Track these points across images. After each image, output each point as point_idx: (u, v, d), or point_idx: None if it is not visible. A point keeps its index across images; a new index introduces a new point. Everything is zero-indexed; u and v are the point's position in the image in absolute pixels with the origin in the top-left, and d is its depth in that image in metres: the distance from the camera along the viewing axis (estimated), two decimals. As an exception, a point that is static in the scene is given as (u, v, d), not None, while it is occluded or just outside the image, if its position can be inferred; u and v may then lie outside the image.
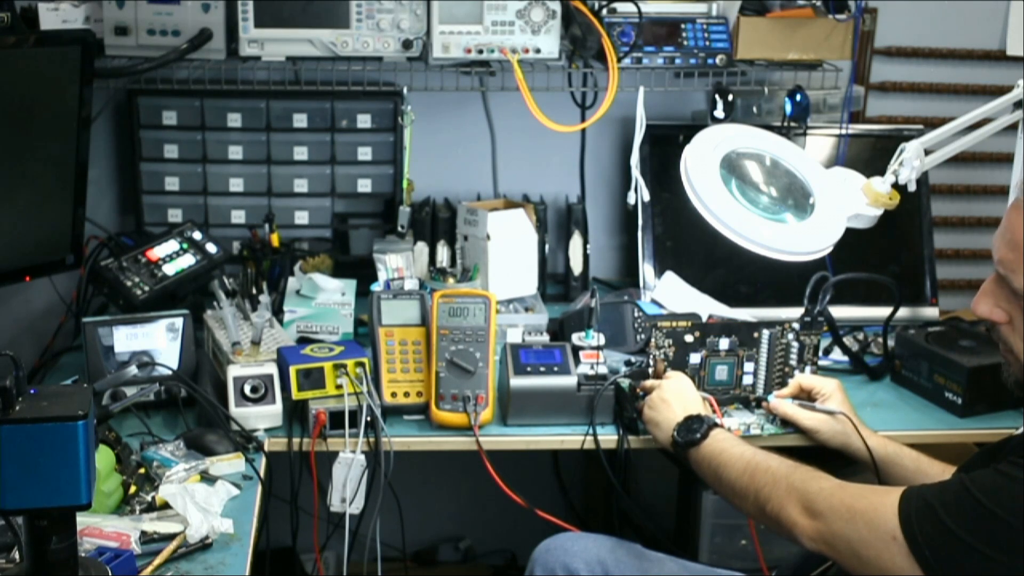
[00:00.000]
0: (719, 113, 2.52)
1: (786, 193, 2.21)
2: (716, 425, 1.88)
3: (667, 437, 1.92)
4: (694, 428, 1.87)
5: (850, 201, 2.18)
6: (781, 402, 2.07)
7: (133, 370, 2.01)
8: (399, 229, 2.54)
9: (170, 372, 2.06)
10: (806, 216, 2.15)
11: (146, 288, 2.26)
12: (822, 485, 1.60)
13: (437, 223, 2.62)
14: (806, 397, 2.06)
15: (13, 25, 2.16)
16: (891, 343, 2.33)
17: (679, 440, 1.87)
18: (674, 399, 1.96)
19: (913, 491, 1.50)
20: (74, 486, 1.33)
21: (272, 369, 2.04)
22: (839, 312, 2.32)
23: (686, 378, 2.03)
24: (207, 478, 1.83)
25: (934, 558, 1.43)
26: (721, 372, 2.13)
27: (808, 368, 2.15)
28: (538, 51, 2.37)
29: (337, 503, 2.00)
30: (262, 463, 1.92)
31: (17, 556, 1.54)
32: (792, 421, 2.05)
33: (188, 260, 2.35)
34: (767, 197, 2.09)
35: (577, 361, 2.12)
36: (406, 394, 2.08)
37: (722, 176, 2.15)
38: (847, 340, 2.36)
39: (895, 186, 2.26)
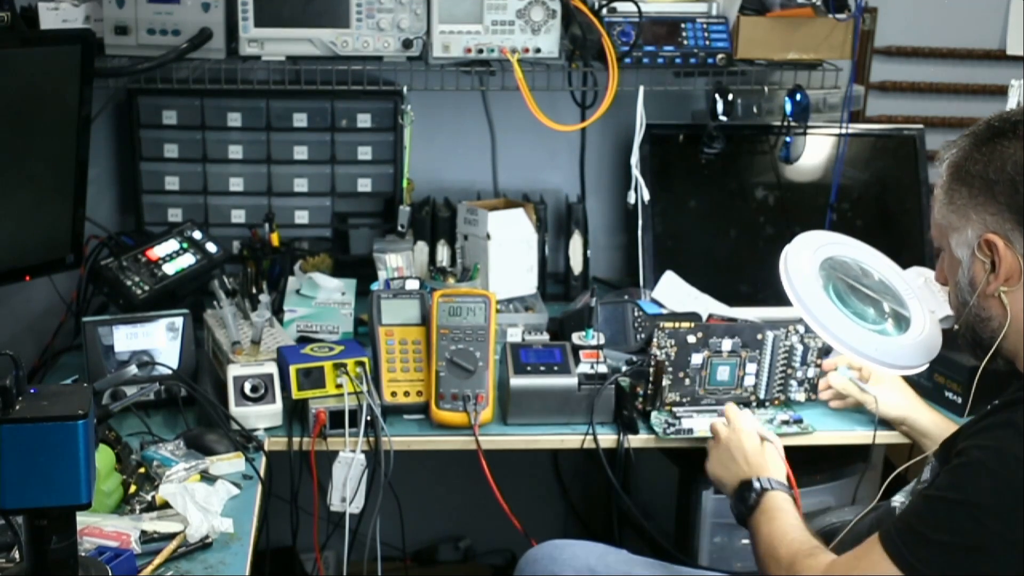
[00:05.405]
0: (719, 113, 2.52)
1: (883, 304, 2.16)
2: (767, 490, 1.80)
3: (729, 500, 1.88)
4: (745, 497, 1.81)
5: (938, 304, 2.15)
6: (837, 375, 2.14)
7: (133, 370, 2.01)
8: (399, 229, 2.54)
9: (170, 372, 2.06)
10: (904, 327, 2.09)
11: (146, 288, 2.26)
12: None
13: (437, 223, 2.62)
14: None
15: (13, 25, 2.16)
16: (892, 343, 2.33)
17: (734, 512, 1.84)
18: (732, 459, 1.88)
19: (889, 529, 1.50)
20: (74, 486, 1.33)
21: (272, 368, 2.04)
22: (840, 312, 2.31)
23: (747, 428, 1.91)
24: (207, 478, 1.83)
25: None
26: (723, 373, 2.13)
27: (812, 369, 2.15)
28: (538, 51, 2.37)
29: (337, 503, 2.00)
30: (262, 463, 1.92)
31: (17, 556, 1.54)
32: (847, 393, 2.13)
33: (188, 260, 2.35)
34: (872, 309, 2.08)
35: (577, 361, 2.12)
36: (406, 393, 2.08)
37: (823, 286, 2.08)
38: (848, 340, 2.35)
39: None
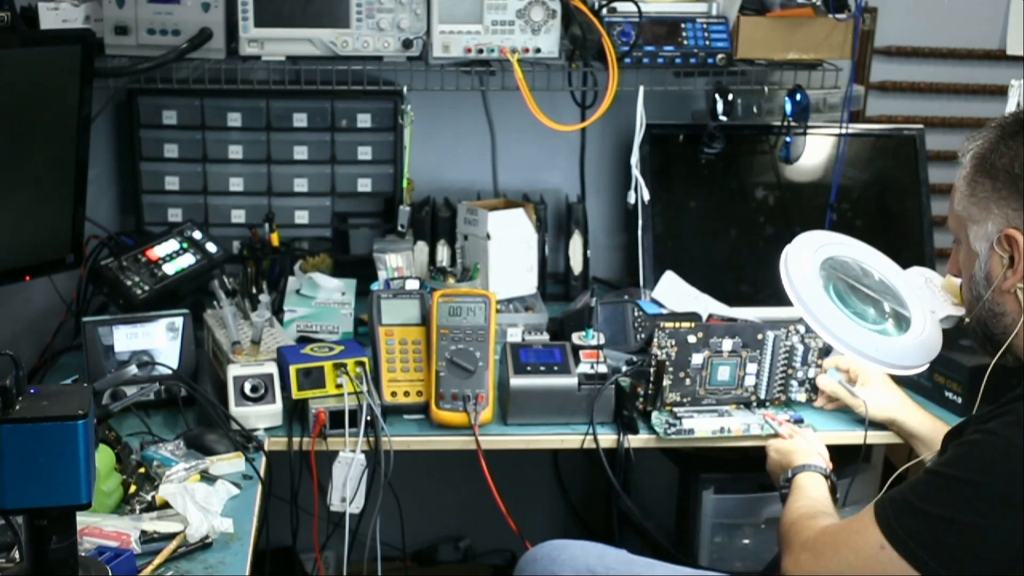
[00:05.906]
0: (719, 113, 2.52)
1: (883, 304, 2.16)
2: (790, 478, 1.87)
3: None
4: (782, 490, 1.87)
5: (938, 304, 2.15)
6: (828, 378, 2.13)
7: (133, 369, 2.01)
8: (399, 229, 2.54)
9: (170, 372, 2.06)
10: (904, 327, 2.09)
11: (146, 288, 2.26)
12: (807, 536, 1.63)
13: (437, 223, 2.62)
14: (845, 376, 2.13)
15: (13, 25, 2.16)
16: (892, 343, 2.33)
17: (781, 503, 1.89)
18: (775, 475, 1.95)
19: (884, 497, 1.52)
20: (74, 486, 1.33)
21: (272, 368, 2.04)
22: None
23: (770, 444, 2.01)
24: (207, 477, 1.83)
25: (922, 549, 1.44)
26: (723, 373, 2.13)
27: (813, 369, 2.15)
28: (538, 51, 2.37)
29: (337, 503, 2.00)
30: (262, 462, 1.92)
31: (17, 556, 1.54)
32: (836, 397, 2.12)
33: (188, 259, 2.35)
34: (873, 309, 2.08)
35: (577, 360, 2.12)
36: (406, 393, 2.08)
37: (823, 285, 2.09)
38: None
39: None
